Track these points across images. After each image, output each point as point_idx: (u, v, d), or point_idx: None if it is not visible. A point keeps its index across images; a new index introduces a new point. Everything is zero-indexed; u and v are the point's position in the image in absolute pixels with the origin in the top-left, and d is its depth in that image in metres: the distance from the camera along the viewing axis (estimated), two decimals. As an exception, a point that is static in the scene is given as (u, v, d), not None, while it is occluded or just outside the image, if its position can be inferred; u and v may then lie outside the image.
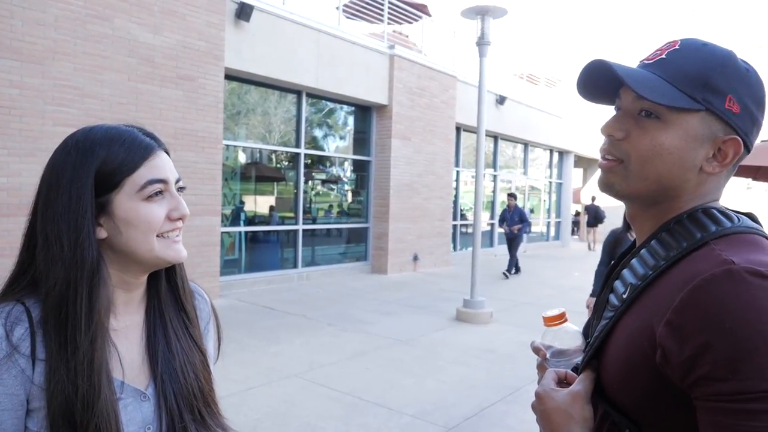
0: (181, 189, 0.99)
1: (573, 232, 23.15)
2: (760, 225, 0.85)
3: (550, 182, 19.45)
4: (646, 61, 0.88)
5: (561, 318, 0.99)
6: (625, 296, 0.86)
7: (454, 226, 14.03)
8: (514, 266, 11.64)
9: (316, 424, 3.88)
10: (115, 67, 6.59)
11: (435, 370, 5.16)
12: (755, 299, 0.68)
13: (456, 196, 14.12)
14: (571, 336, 1.00)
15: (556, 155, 19.46)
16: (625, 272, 0.91)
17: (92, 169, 0.90)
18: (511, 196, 11.91)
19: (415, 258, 11.81)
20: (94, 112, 6.36)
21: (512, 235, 11.59)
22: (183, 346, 1.03)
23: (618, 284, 0.91)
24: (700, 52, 0.84)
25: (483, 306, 7.31)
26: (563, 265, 14.24)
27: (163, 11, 7.03)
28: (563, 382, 0.93)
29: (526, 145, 17.39)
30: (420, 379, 4.89)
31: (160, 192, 0.94)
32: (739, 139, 0.83)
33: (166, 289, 1.06)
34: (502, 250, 15.90)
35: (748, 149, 0.85)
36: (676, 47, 0.86)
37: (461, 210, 14.60)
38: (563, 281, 11.00)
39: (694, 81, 0.82)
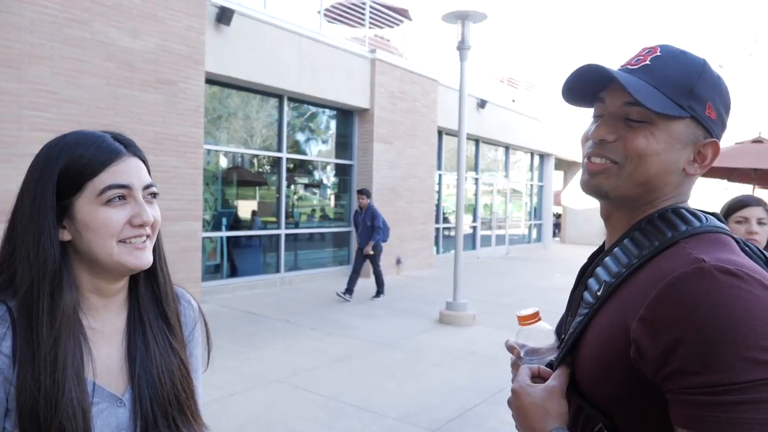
0: (153, 195, 0.99)
1: (554, 234, 23.36)
2: (726, 225, 0.89)
3: (531, 185, 19.61)
4: (630, 66, 0.91)
5: (535, 317, 1.02)
6: (599, 293, 0.89)
7: (437, 230, 14.07)
8: (380, 284, 8.91)
9: (299, 429, 3.87)
10: (94, 71, 6.52)
11: (418, 372, 5.17)
12: (725, 296, 0.71)
13: (438, 200, 14.17)
14: (544, 334, 1.02)
15: (536, 158, 19.64)
16: (599, 270, 0.93)
17: (55, 172, 0.92)
18: (362, 193, 8.91)
19: (398, 261, 11.82)
20: (72, 116, 6.28)
21: (365, 246, 8.73)
22: (161, 352, 1.03)
23: (592, 282, 0.93)
24: (681, 60, 0.88)
25: (466, 308, 7.34)
26: (545, 267, 14.36)
27: (142, 15, 6.97)
28: (537, 377, 0.95)
29: (507, 148, 17.52)
30: (403, 382, 4.89)
31: (123, 197, 0.94)
32: (718, 142, 0.87)
33: (147, 294, 1.05)
34: (484, 252, 16.02)
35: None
36: (658, 54, 0.89)
37: (444, 213, 14.65)
38: (545, 283, 11.08)
39: (680, 89, 0.86)
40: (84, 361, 0.92)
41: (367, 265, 8.94)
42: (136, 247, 0.96)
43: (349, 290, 8.47)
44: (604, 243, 1.02)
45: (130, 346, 1.01)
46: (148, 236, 0.98)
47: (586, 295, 0.93)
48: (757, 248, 0.87)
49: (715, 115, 0.87)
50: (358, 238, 8.94)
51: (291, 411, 4.18)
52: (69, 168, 0.92)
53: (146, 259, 0.98)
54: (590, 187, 0.93)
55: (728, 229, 0.87)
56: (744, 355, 0.68)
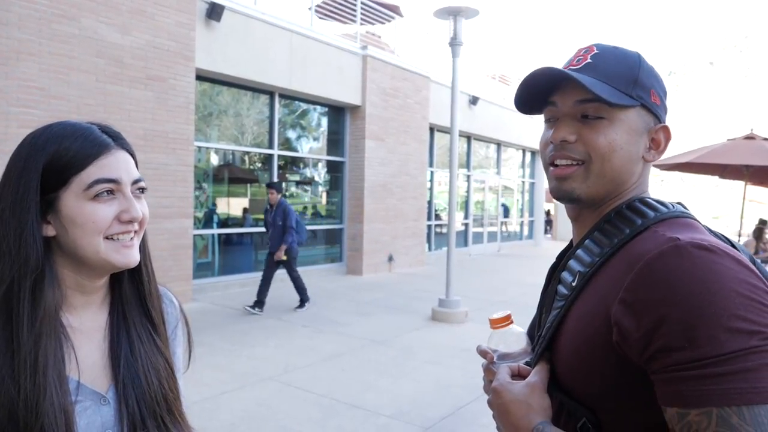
0: (141, 190, 0.95)
1: (546, 231, 23.43)
2: (689, 211, 0.91)
3: (523, 182, 19.66)
4: (573, 67, 0.92)
5: (507, 320, 1.01)
6: (574, 284, 0.89)
7: (429, 227, 14.08)
8: (301, 291, 7.73)
9: (291, 427, 3.85)
10: (83, 67, 6.46)
11: (411, 370, 5.16)
12: (702, 271, 0.72)
13: (430, 197, 14.17)
14: (516, 337, 1.01)
15: (528, 155, 19.68)
16: (572, 263, 0.93)
17: (40, 164, 0.88)
18: (272, 187, 7.71)
19: (390, 259, 11.81)
20: (60, 113, 6.21)
21: (276, 250, 7.50)
22: (147, 351, 1.00)
23: (566, 275, 0.94)
24: (619, 55, 0.92)
25: (458, 305, 7.34)
26: (536, 263, 14.40)
27: (131, 11, 6.91)
28: (517, 376, 0.95)
29: (498, 145, 17.55)
30: (396, 380, 4.89)
31: (111, 192, 0.91)
32: (668, 126, 0.90)
33: (130, 292, 1.02)
34: (476, 249, 16.04)
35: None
36: (596, 52, 0.93)
37: (435, 210, 14.66)
38: (537, 279, 11.10)
39: (626, 80, 0.88)
40: (66, 359, 0.89)
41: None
42: (123, 245, 0.92)
43: (260, 302, 7.35)
44: (571, 241, 1.03)
45: (113, 344, 0.98)
46: (135, 232, 0.94)
47: (561, 289, 0.94)
48: (721, 233, 0.90)
49: (659, 100, 0.90)
50: (268, 240, 7.72)
51: (283, 409, 4.16)
52: (55, 160, 0.88)
53: (133, 258, 0.94)
54: (562, 192, 0.93)
55: (692, 214, 0.89)
56: (726, 326, 0.68)
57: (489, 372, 1.01)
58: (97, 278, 0.96)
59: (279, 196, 7.64)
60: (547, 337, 0.90)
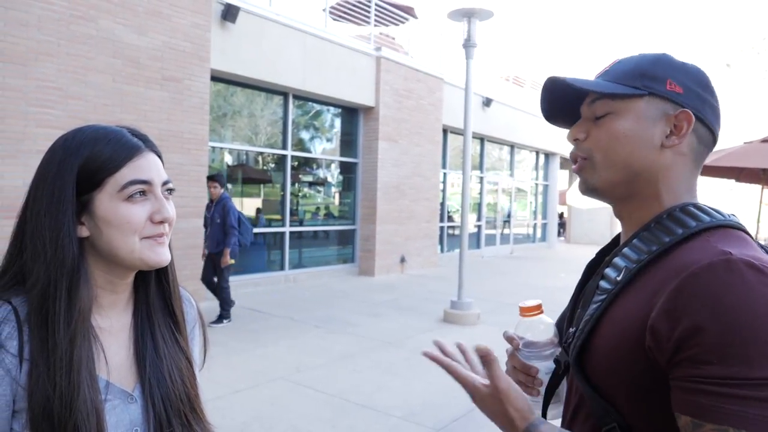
0: (170, 191, 0.98)
1: (559, 234, 23.30)
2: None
3: (537, 184, 19.56)
4: (598, 76, 0.98)
5: (537, 309, 1.02)
6: (619, 279, 0.88)
7: (441, 228, 14.06)
8: (225, 304, 6.76)
9: (303, 427, 3.87)
10: (100, 68, 6.53)
11: (423, 371, 5.16)
12: (751, 291, 0.70)
13: (443, 198, 14.15)
14: (545, 327, 1.01)
15: (542, 157, 19.58)
16: (617, 260, 0.92)
17: (75, 166, 0.90)
18: (213, 179, 6.83)
19: (403, 260, 11.81)
20: (77, 113, 6.29)
21: (216, 251, 6.70)
22: (170, 351, 1.03)
23: (609, 271, 0.92)
24: (635, 57, 0.94)
25: (470, 307, 7.33)
26: (549, 266, 14.33)
27: (147, 12, 6.98)
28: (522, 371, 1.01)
29: (512, 146, 17.48)
30: (408, 381, 4.89)
31: (143, 193, 0.93)
32: (689, 111, 0.88)
33: (156, 292, 1.05)
34: (489, 251, 15.99)
35: (705, 125, 0.90)
36: (618, 59, 0.97)
37: (448, 212, 14.63)
38: (549, 282, 11.06)
39: (632, 75, 0.91)
40: (96, 358, 0.91)
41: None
42: (157, 243, 0.95)
43: (226, 313, 6.74)
44: (614, 239, 1.03)
45: (138, 344, 1.00)
46: (166, 233, 0.97)
47: (603, 284, 0.92)
48: None
49: (681, 89, 0.89)
50: (206, 239, 6.89)
51: (295, 408, 4.18)
52: (89, 163, 0.90)
53: (166, 256, 0.97)
54: (579, 185, 0.98)
55: (746, 227, 0.87)
56: (763, 351, 0.67)
57: (513, 358, 1.03)
58: (128, 275, 0.99)
59: (221, 190, 6.76)
60: (586, 330, 0.89)
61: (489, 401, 0.90)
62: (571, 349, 0.92)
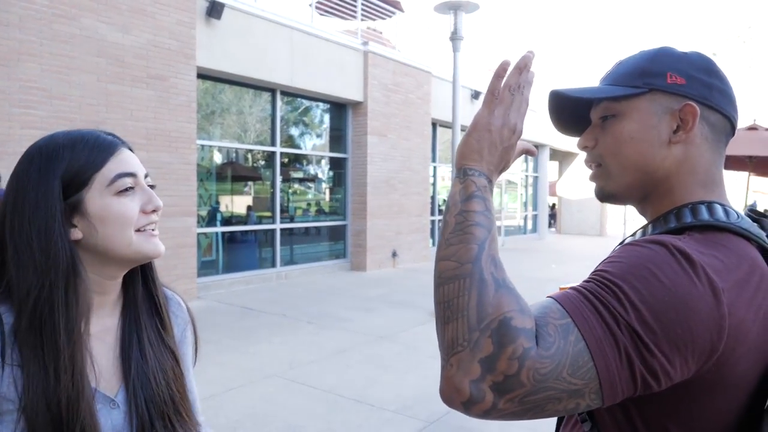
0: (150, 186, 0.99)
1: (550, 225, 23.40)
2: (764, 232, 0.84)
3: (527, 176, 19.62)
4: (602, 82, 0.97)
5: None
6: None
7: (433, 222, 14.07)
8: None
9: (297, 423, 3.87)
10: (84, 67, 6.47)
11: (416, 365, 5.17)
12: (642, 253, 0.76)
13: (434, 192, 14.16)
14: None
15: (531, 149, 19.61)
16: None
17: (58, 171, 0.89)
18: None
19: (394, 254, 11.82)
20: (62, 113, 6.23)
21: None
22: (156, 353, 1.02)
23: None
24: (635, 56, 0.93)
25: (462, 300, 7.33)
26: (541, 257, 14.39)
27: (131, 10, 6.91)
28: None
29: (501, 139, 17.48)
30: (401, 375, 4.90)
31: (131, 187, 0.94)
32: (692, 103, 0.86)
33: (142, 294, 1.05)
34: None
35: (717, 111, 0.88)
36: (618, 62, 0.96)
37: (439, 205, 14.65)
38: (541, 274, 11.10)
39: (632, 74, 0.90)
40: (86, 363, 0.91)
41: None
42: (151, 234, 0.96)
43: None
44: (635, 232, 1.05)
45: (124, 347, 1.00)
46: (156, 223, 0.99)
47: None
48: None
49: (683, 80, 0.87)
50: None
51: (288, 405, 4.18)
52: (72, 164, 0.90)
53: (161, 247, 0.99)
54: (597, 192, 0.98)
55: (741, 229, 0.80)
56: (633, 285, 0.72)
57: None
58: (119, 275, 0.99)
59: None
60: None
61: (494, 121, 0.87)
62: None
